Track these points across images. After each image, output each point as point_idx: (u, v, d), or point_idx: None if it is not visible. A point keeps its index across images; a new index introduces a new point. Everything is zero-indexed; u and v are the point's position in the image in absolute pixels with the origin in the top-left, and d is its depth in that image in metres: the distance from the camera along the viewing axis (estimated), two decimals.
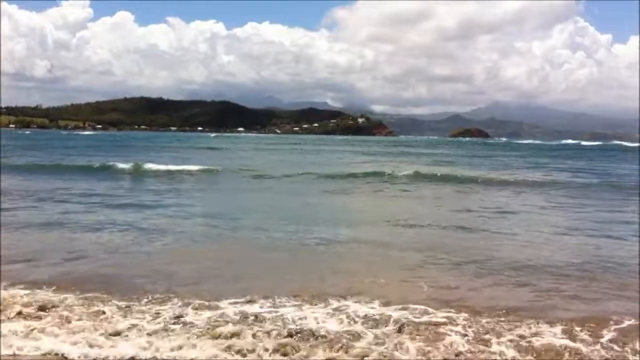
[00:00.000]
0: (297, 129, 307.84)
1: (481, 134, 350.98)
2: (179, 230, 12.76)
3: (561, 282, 8.72)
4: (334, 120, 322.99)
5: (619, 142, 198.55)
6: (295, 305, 7.32)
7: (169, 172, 28.99)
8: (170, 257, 10.16)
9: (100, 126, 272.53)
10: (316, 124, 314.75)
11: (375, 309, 7.22)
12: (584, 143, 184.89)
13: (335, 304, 7.40)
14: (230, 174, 29.81)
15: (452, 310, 7.18)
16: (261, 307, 7.24)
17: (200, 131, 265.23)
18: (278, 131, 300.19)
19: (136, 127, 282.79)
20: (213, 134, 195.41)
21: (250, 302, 7.43)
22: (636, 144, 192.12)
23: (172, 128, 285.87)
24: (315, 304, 7.36)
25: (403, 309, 7.17)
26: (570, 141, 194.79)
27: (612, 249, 11.39)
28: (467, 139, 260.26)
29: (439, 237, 12.58)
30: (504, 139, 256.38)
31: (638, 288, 8.39)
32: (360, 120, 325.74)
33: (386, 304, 7.37)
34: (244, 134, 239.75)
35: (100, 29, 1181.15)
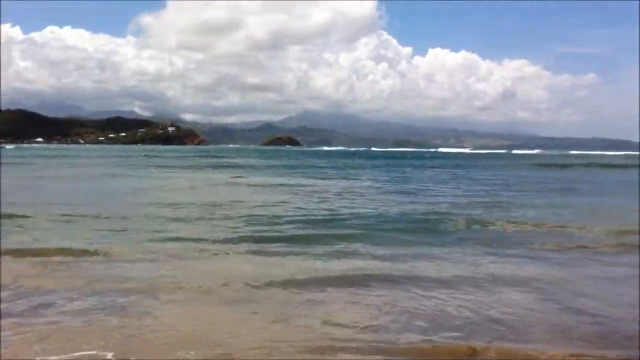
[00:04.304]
0: (102, 138, 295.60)
1: (292, 142, 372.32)
2: None
3: None
4: (143, 130, 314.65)
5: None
6: None
7: None
8: None
9: None
10: (123, 134, 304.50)
11: None
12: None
13: None
14: None
15: None
16: None
17: None
18: (82, 141, 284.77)
19: None
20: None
21: None
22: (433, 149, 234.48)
23: None
24: None
25: None
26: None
27: None
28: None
29: None
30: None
31: None
32: (170, 129, 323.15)
33: None
34: (39, 145, 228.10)
35: None
